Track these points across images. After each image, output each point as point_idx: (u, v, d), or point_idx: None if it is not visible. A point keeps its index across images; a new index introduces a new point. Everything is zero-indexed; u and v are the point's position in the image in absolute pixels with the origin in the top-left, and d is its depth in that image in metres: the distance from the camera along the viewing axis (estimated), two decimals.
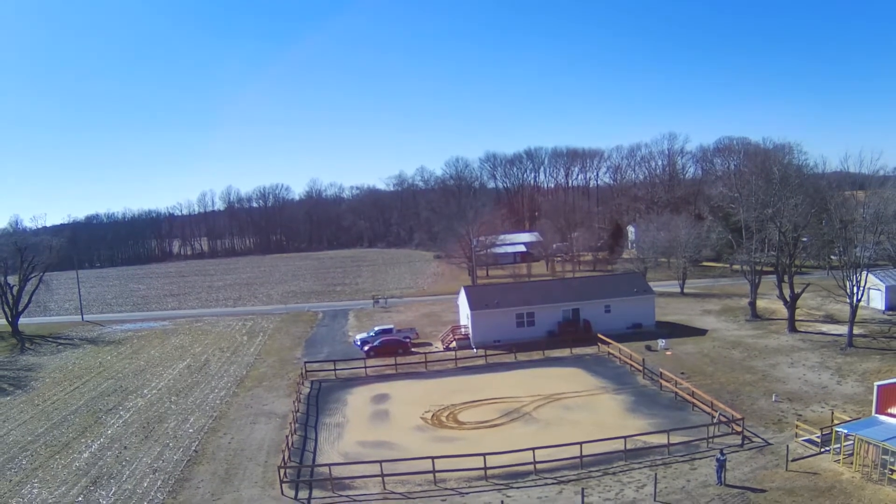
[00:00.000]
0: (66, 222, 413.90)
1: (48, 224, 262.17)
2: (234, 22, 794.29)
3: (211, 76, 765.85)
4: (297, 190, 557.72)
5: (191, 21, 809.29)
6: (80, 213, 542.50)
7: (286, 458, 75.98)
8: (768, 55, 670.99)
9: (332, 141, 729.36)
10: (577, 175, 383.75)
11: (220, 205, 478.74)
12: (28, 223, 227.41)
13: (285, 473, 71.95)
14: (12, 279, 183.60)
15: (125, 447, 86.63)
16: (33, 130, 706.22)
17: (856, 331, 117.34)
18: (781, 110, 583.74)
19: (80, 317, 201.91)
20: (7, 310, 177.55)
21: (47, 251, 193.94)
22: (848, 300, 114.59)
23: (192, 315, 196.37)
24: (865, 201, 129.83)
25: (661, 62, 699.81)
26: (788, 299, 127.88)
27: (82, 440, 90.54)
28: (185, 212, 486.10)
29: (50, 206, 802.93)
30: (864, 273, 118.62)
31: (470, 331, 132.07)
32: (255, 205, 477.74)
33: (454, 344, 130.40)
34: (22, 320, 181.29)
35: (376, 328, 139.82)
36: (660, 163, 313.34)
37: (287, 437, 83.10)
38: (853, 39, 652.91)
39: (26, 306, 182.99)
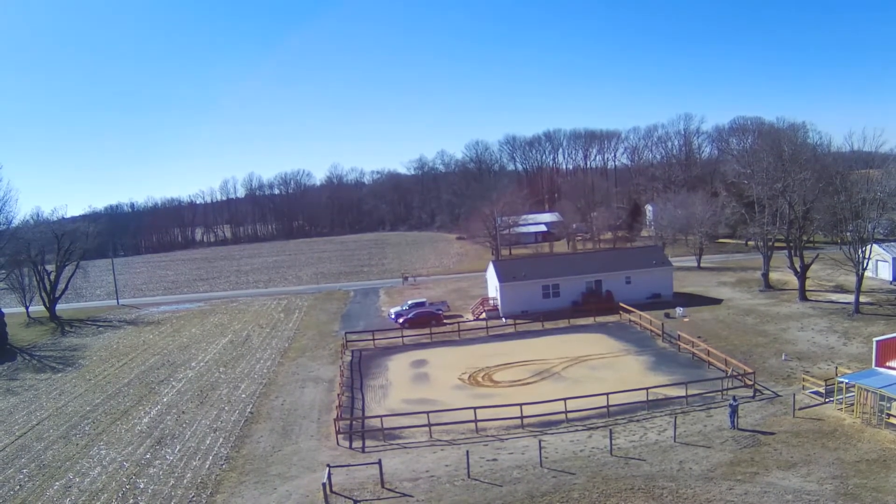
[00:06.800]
0: (87, 213, 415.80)
1: (67, 216, 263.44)
2: (254, 6, 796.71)
3: (230, 62, 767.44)
4: (319, 175, 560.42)
5: (209, 7, 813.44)
6: (99, 204, 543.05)
7: (339, 413, 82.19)
8: (781, 36, 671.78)
9: (353, 126, 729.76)
10: (596, 156, 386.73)
11: (241, 192, 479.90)
12: (48, 215, 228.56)
13: (340, 427, 78.39)
14: (49, 266, 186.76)
15: (183, 412, 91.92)
16: (53, 124, 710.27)
17: (864, 299, 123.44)
18: (794, 91, 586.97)
19: (116, 301, 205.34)
20: (45, 295, 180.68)
21: (84, 238, 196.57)
22: (855, 271, 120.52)
23: (225, 296, 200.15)
24: (878, 179, 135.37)
25: (677, 44, 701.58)
26: (799, 270, 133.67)
27: (140, 408, 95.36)
28: (207, 199, 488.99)
29: (70, 198, 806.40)
30: (870, 245, 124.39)
31: (499, 302, 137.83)
32: (276, 191, 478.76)
33: (484, 315, 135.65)
34: (58, 306, 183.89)
35: (409, 302, 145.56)
36: (676, 143, 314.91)
37: (338, 396, 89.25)
38: (867, 21, 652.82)
39: (63, 292, 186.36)
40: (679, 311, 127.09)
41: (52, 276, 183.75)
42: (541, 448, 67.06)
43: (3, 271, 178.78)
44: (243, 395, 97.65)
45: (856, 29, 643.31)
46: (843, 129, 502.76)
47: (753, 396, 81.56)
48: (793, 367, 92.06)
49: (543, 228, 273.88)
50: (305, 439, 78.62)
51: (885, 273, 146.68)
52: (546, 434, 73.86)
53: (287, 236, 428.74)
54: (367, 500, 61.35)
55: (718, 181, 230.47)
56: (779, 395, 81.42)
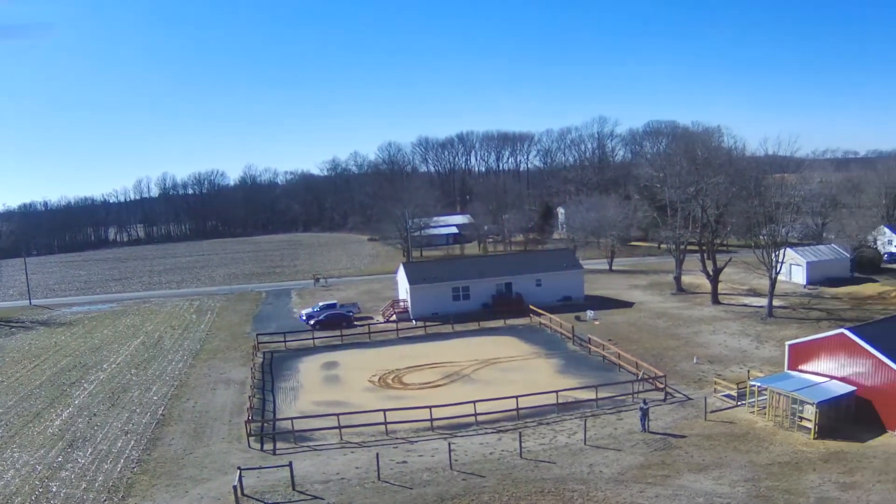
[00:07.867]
0: (0, 211, 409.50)
1: None
2: (178, 6, 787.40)
3: (142, 61, 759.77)
4: (233, 176, 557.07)
5: (119, 5, 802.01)
6: (13, 202, 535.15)
7: (250, 415, 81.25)
8: (697, 39, 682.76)
9: (267, 126, 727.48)
10: (508, 158, 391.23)
11: (155, 191, 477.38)
12: None
13: (251, 429, 77.27)
14: None
15: (94, 414, 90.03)
16: None
17: (778, 303, 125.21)
18: (710, 95, 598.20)
19: (28, 301, 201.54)
20: None
21: None
22: (768, 274, 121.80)
23: (138, 297, 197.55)
24: (793, 184, 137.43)
25: (593, 46, 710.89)
26: (711, 273, 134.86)
27: (52, 410, 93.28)
28: (120, 199, 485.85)
29: None
30: (783, 249, 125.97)
31: (409, 304, 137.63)
32: (190, 191, 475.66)
33: (394, 317, 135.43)
34: None
35: (321, 304, 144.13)
36: (590, 146, 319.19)
37: (249, 398, 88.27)
38: (786, 22, 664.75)
39: None
40: (590, 313, 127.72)
41: None
42: (451, 450, 66.71)
43: None
44: (155, 398, 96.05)
45: (773, 31, 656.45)
46: (759, 134, 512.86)
47: (665, 400, 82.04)
48: (704, 370, 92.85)
49: (455, 230, 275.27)
50: (217, 442, 77.53)
51: (798, 277, 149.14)
52: (456, 436, 73.58)
53: (201, 237, 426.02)
54: (278, 503, 60.58)
55: (631, 184, 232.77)
56: (690, 399, 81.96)
